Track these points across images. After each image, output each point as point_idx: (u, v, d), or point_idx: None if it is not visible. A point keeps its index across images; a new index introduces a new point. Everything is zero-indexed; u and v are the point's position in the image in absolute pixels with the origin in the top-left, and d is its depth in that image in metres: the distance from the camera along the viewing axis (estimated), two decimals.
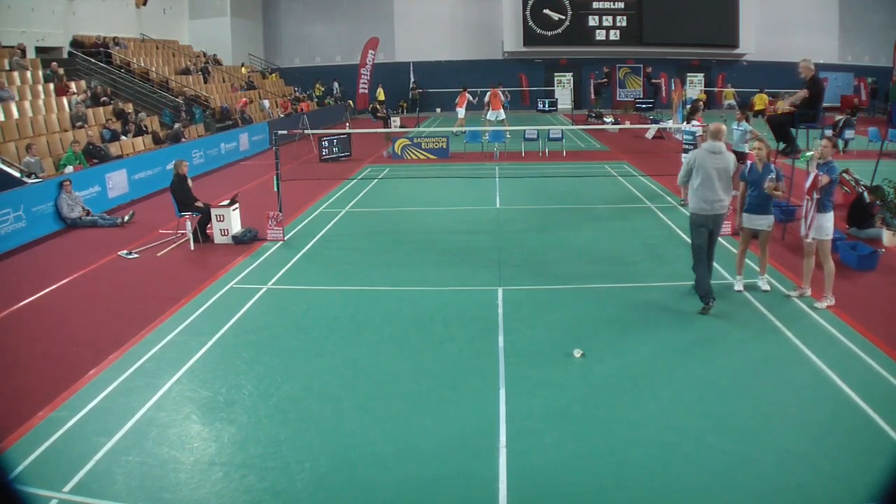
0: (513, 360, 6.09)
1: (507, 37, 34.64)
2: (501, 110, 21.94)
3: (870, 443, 4.70)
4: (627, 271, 8.66)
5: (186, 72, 24.33)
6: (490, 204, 12.91)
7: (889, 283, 8.15)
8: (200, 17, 31.13)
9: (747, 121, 12.51)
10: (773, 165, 7.76)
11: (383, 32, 33.95)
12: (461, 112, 23.68)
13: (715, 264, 8.63)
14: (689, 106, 16.23)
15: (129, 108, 18.83)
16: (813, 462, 4.51)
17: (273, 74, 32.28)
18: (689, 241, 9.86)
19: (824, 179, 7.00)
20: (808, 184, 7.22)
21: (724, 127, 7.38)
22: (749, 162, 8.19)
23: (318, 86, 32.86)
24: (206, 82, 24.63)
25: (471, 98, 24.57)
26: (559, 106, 31.03)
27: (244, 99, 24.29)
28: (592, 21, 34.46)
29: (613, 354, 6.21)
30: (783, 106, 10.00)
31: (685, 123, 12.46)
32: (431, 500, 4.26)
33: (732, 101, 30.10)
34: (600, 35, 34.55)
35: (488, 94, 22.18)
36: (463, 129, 20.93)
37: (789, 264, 8.63)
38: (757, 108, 21.74)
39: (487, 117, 22.01)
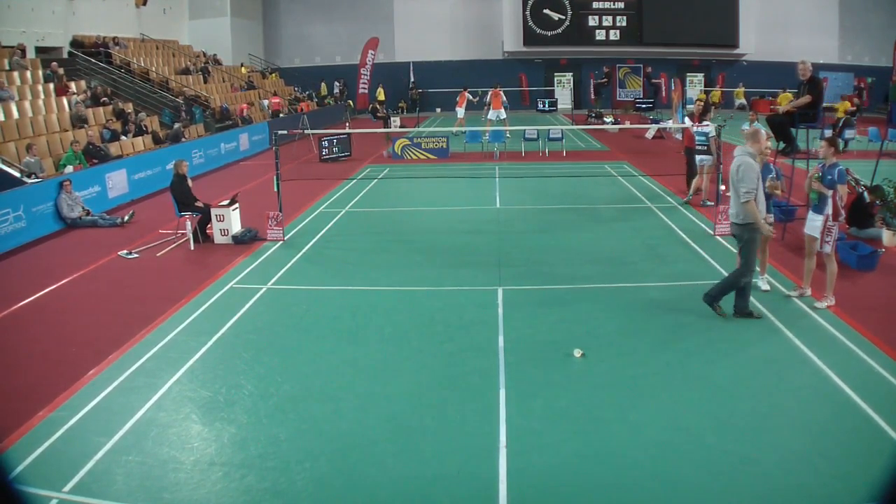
0: (513, 360, 6.08)
1: (507, 37, 34.63)
2: (502, 109, 21.97)
3: (870, 443, 4.70)
4: (627, 271, 8.66)
5: (186, 72, 24.33)
6: (490, 204, 12.91)
7: (889, 283, 8.15)
8: (200, 17, 31.12)
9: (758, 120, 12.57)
10: (772, 165, 7.76)
11: (383, 32, 33.92)
12: (461, 112, 23.70)
13: (714, 264, 8.70)
14: (690, 106, 16.22)
15: (129, 108, 18.82)
16: (813, 462, 4.51)
17: (273, 74, 32.28)
18: (688, 240, 9.97)
19: (842, 191, 6.95)
20: (829, 211, 6.97)
21: (760, 130, 7.11)
22: None
23: (323, 85, 33.00)
24: (205, 82, 24.62)
25: (471, 98, 24.58)
26: (559, 106, 31.02)
27: (244, 105, 24.23)
28: (592, 21, 34.44)
29: (613, 354, 6.21)
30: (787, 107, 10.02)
31: (696, 124, 12.42)
32: (431, 500, 4.26)
33: (743, 101, 30.12)
34: (600, 35, 34.54)
35: (489, 94, 22.21)
36: (463, 128, 20.93)
37: (789, 264, 8.62)
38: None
39: (489, 117, 22.03)
